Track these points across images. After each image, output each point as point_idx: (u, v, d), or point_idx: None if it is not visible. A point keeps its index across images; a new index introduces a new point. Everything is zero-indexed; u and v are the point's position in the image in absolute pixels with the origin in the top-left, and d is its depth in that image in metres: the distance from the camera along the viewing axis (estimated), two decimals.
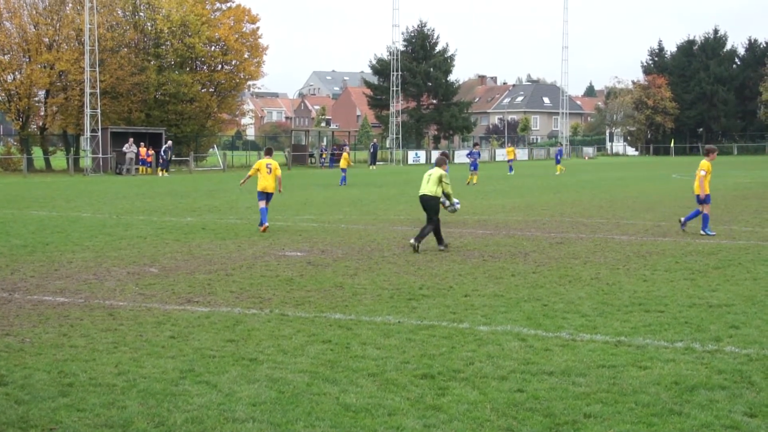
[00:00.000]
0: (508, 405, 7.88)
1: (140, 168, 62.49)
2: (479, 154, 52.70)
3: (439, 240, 18.87)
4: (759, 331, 10.60)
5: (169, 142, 63.76)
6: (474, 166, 46.36)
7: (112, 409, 7.82)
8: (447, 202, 19.49)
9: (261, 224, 22.17)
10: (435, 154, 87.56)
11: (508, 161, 62.93)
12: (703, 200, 21.05)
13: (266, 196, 22.54)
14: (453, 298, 13.06)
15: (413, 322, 11.27)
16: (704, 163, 21.21)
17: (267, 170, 22.61)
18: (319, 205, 31.19)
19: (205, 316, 11.81)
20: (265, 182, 22.54)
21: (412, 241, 18.44)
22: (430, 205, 18.83)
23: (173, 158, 64.28)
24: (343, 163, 45.90)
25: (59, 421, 7.54)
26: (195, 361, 9.41)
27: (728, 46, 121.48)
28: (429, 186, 18.84)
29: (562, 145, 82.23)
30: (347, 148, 57.25)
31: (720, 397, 8.04)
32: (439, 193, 18.86)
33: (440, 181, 18.82)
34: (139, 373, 8.97)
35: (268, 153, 23.96)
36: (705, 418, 7.48)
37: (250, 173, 23.13)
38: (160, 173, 60.16)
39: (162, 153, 62.17)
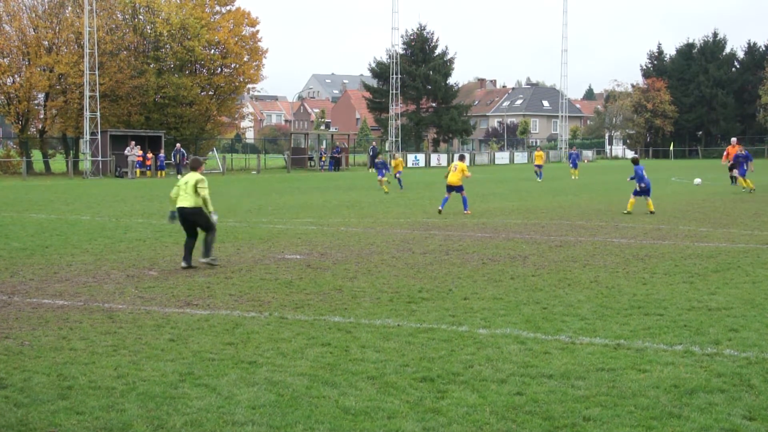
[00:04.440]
0: (507, 408, 7.88)
1: (137, 171, 62.55)
2: (579, 155, 62.37)
3: (207, 251, 16.74)
4: (758, 334, 10.60)
5: (177, 145, 63.91)
6: (574, 164, 56.66)
7: (111, 412, 7.82)
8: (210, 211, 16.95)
9: (440, 207, 28.47)
10: (434, 157, 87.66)
11: (537, 166, 54.21)
12: None
13: (451, 188, 28.77)
14: (452, 301, 13.06)
15: (412, 325, 11.27)
16: None
17: (453, 168, 29.08)
18: (318, 208, 31.18)
19: (204, 319, 11.82)
20: (451, 178, 28.79)
21: (202, 260, 16.61)
22: (193, 219, 16.72)
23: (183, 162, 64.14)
24: (398, 167, 45.88)
25: (58, 424, 7.54)
26: (194, 364, 9.41)
27: (727, 50, 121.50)
28: (188, 197, 16.71)
29: (464, 154, 66.82)
30: (398, 154, 55.28)
31: (719, 400, 8.04)
32: (200, 203, 16.70)
33: (197, 187, 16.72)
34: (138, 376, 8.98)
35: (461, 159, 30.19)
36: (704, 421, 7.48)
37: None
38: (179, 177, 60.25)
39: (173, 156, 62.50)
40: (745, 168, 38.23)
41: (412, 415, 7.73)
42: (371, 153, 79.16)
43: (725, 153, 43.13)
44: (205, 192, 16.67)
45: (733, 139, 44.65)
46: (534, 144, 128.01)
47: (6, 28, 67.25)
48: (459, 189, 28.75)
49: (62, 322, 11.65)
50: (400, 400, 8.13)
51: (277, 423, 7.53)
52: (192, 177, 16.83)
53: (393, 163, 46.80)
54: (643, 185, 28.02)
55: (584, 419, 7.57)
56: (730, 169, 41.90)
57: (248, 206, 32.12)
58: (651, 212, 27.47)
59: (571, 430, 7.35)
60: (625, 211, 27.81)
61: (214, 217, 16.78)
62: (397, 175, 44.50)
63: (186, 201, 16.64)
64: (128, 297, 13.56)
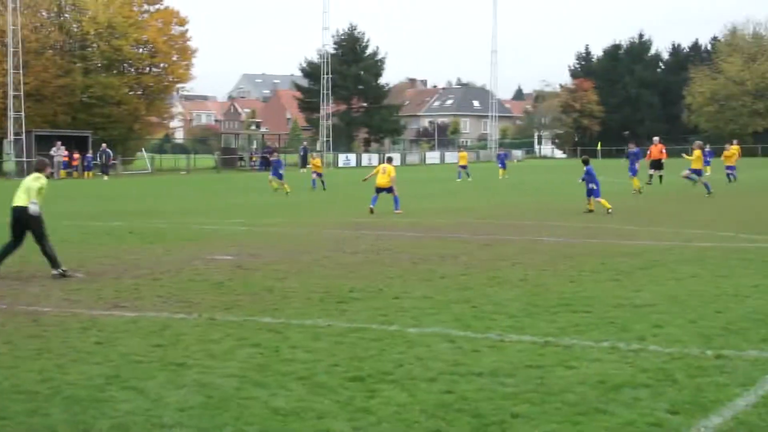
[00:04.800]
0: (436, 406, 7.90)
1: (62, 171, 61.62)
2: (507, 155, 64.92)
3: (53, 263, 15.45)
4: (681, 330, 10.77)
5: (103, 145, 63.25)
6: (502, 163, 57.10)
7: (35, 417, 7.67)
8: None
9: (371, 206, 28.25)
10: (365, 157, 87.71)
11: (461, 167, 54.88)
12: None
13: (380, 190, 28.63)
14: (383, 300, 13.05)
15: (343, 325, 11.25)
16: None
17: (382, 171, 29.04)
18: (248, 209, 31.02)
19: (132, 321, 11.66)
20: (379, 180, 28.72)
21: (53, 272, 15.38)
22: (26, 221, 15.26)
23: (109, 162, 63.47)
24: (317, 167, 44.97)
25: None
26: (121, 367, 9.28)
27: (653, 51, 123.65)
28: (23, 197, 15.25)
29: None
30: (316, 153, 53.79)
31: (644, 395, 8.15)
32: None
33: (30, 189, 15.22)
34: (63, 379, 8.82)
35: (389, 161, 30.65)
36: (629, 416, 7.57)
37: (373, 173, 29.86)
38: (99, 177, 59.73)
39: (98, 157, 61.82)
40: (636, 167, 38.19)
41: (342, 414, 7.71)
42: (301, 153, 79.05)
43: (648, 152, 43.82)
44: (36, 184, 15.14)
45: (656, 138, 45.33)
46: (465, 144, 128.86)
47: None
48: (389, 190, 28.56)
49: None
50: (330, 400, 8.11)
51: (206, 425, 7.45)
52: (30, 176, 15.60)
53: (311, 162, 45.72)
54: (593, 186, 27.23)
55: (512, 416, 7.61)
56: (651, 167, 42.57)
57: (177, 207, 31.83)
58: (590, 211, 27.10)
59: (499, 427, 7.38)
60: (609, 210, 26.43)
61: (32, 207, 14.97)
62: (314, 176, 43.43)
63: (21, 200, 15.18)
64: (54, 299, 13.33)
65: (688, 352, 9.65)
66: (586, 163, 28.37)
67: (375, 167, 30.30)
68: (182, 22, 79.97)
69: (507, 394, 8.24)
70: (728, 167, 45.60)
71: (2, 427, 7.44)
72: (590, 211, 27.21)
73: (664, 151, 43.13)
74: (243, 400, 8.14)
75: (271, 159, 43.80)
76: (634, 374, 8.81)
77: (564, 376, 8.80)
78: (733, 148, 49.54)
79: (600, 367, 9.07)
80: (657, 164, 42.19)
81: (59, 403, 8.06)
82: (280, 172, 40.33)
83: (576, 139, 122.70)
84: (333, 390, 8.42)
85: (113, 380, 8.78)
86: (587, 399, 8.05)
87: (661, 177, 42.02)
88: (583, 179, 27.78)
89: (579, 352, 9.70)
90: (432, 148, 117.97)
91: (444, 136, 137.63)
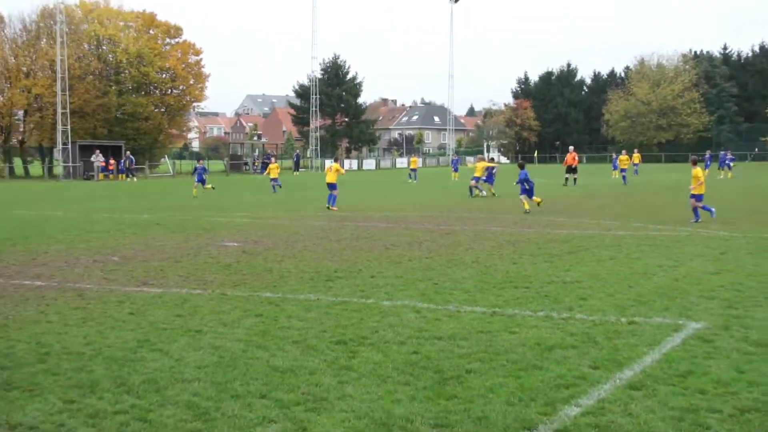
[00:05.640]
0: (405, 364, 7.93)
1: (100, 175, 61.22)
2: (459, 160, 62.94)
3: None
4: (602, 301, 10.85)
5: (128, 152, 62.84)
6: (455, 167, 57.38)
7: (81, 373, 7.65)
8: None
9: (331, 205, 27.15)
10: (346, 163, 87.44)
11: (411, 170, 54.77)
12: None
13: (329, 186, 27.53)
14: (362, 279, 13.04)
15: (329, 299, 11.25)
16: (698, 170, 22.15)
17: (328, 169, 28.44)
18: (252, 205, 30.88)
19: (158, 295, 11.61)
20: (328, 177, 27.90)
21: None
22: None
23: (132, 167, 63.14)
24: (273, 173, 40.83)
25: (37, 383, 7.35)
26: (150, 333, 9.25)
27: (578, 77, 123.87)
28: None
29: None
30: (273, 159, 49.29)
31: (571, 354, 8.21)
32: None
33: None
34: (104, 343, 8.79)
35: (336, 160, 30.13)
36: (560, 371, 7.63)
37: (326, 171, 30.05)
38: (128, 179, 59.35)
39: (123, 162, 61.42)
40: (493, 178, 35.90)
41: (329, 371, 7.73)
42: (295, 159, 78.79)
43: (565, 159, 44.23)
44: None
45: (570, 147, 45.65)
46: (428, 152, 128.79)
47: None
48: (333, 187, 27.46)
49: (40, 299, 11.33)
50: (320, 360, 8.11)
51: (219, 379, 7.45)
52: None
53: (270, 167, 41.50)
54: (527, 186, 26.02)
55: (467, 372, 7.65)
56: (567, 172, 42.91)
57: (194, 203, 31.65)
58: (538, 203, 26.23)
59: (456, 380, 7.41)
60: (526, 211, 25.38)
61: None
62: (273, 182, 39.88)
63: None
64: (95, 278, 13.25)
65: (607, 319, 9.73)
66: (521, 167, 27.10)
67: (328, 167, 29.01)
68: (197, 52, 79.46)
69: (462, 354, 8.27)
70: (622, 170, 46.25)
71: (55, 381, 7.41)
72: (527, 211, 25.69)
73: (576, 158, 43.63)
74: (248, 359, 8.13)
75: (196, 166, 36.88)
76: (563, 338, 8.86)
77: (508, 339, 8.84)
78: (635, 156, 51.47)
79: (537, 332, 9.12)
80: (571, 169, 42.70)
81: (100, 362, 8.04)
82: (204, 177, 36.07)
83: (517, 148, 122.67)
84: (321, 351, 8.43)
85: (144, 343, 8.76)
86: (526, 357, 8.10)
87: (575, 179, 42.46)
88: (518, 182, 26.44)
89: (520, 320, 9.75)
90: (401, 155, 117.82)
91: (411, 146, 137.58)
